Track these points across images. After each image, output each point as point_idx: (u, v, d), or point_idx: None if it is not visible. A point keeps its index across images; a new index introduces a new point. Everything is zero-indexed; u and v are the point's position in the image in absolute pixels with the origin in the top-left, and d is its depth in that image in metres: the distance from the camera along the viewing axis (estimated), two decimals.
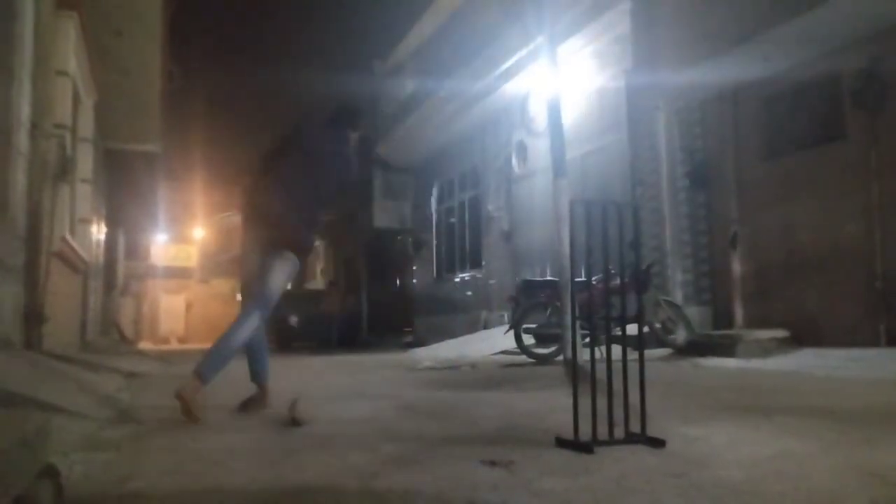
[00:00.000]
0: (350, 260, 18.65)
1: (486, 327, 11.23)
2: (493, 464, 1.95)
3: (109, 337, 13.90)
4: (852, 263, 6.15)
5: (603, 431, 2.14)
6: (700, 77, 7.04)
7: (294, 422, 2.81)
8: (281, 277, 3.28)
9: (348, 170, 3.67)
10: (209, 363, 3.04)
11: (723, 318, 7.38)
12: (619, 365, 2.20)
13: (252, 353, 3.40)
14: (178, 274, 31.13)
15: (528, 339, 6.53)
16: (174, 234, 30.68)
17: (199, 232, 32.45)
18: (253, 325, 3.19)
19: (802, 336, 6.20)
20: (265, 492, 1.78)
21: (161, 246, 29.02)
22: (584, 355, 3.41)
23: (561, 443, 2.17)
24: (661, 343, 6.39)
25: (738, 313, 7.26)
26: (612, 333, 3.17)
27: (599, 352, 3.13)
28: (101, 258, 12.21)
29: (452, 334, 11.45)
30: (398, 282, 16.87)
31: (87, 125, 8.16)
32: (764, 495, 1.61)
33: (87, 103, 8.11)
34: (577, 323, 4.07)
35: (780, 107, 7.06)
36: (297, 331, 14.65)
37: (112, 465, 2.10)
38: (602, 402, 2.16)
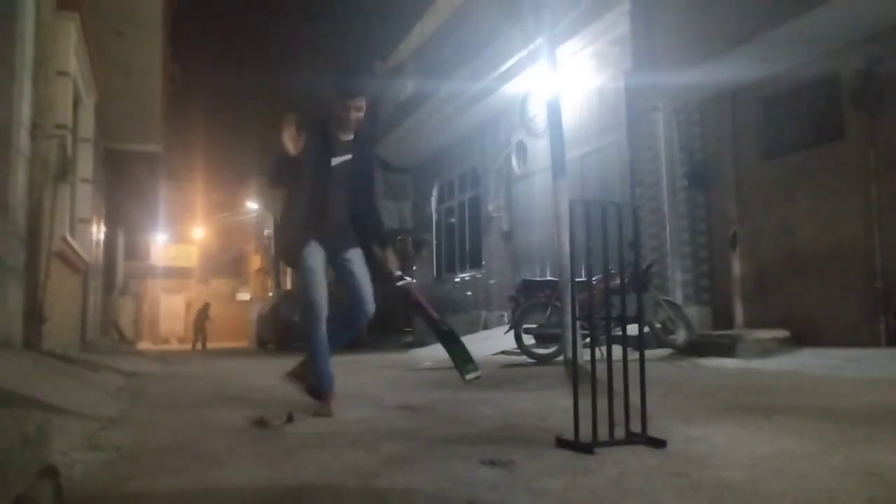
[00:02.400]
0: None
1: (486, 327, 11.22)
2: (492, 463, 1.95)
3: (109, 337, 13.90)
4: (852, 263, 6.14)
5: (603, 432, 2.13)
6: (699, 78, 7.04)
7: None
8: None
9: (375, 162, 3.87)
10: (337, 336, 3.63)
11: (723, 318, 7.37)
12: (620, 365, 2.20)
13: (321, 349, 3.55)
14: (178, 274, 31.16)
15: (528, 339, 6.53)
16: (174, 234, 30.72)
17: (199, 232, 32.47)
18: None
19: (802, 336, 6.19)
20: (265, 491, 1.78)
21: (161, 246, 29.05)
22: (584, 355, 3.42)
23: (561, 443, 2.17)
24: (661, 343, 6.39)
25: (738, 313, 7.25)
26: (612, 333, 3.17)
27: (599, 352, 3.14)
28: (101, 258, 12.21)
29: None
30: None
31: (87, 125, 8.17)
32: (764, 495, 1.61)
33: (88, 103, 8.11)
34: (577, 323, 4.07)
35: (779, 107, 7.06)
36: (298, 331, 14.59)
37: (112, 465, 2.10)
38: (602, 403, 2.16)
